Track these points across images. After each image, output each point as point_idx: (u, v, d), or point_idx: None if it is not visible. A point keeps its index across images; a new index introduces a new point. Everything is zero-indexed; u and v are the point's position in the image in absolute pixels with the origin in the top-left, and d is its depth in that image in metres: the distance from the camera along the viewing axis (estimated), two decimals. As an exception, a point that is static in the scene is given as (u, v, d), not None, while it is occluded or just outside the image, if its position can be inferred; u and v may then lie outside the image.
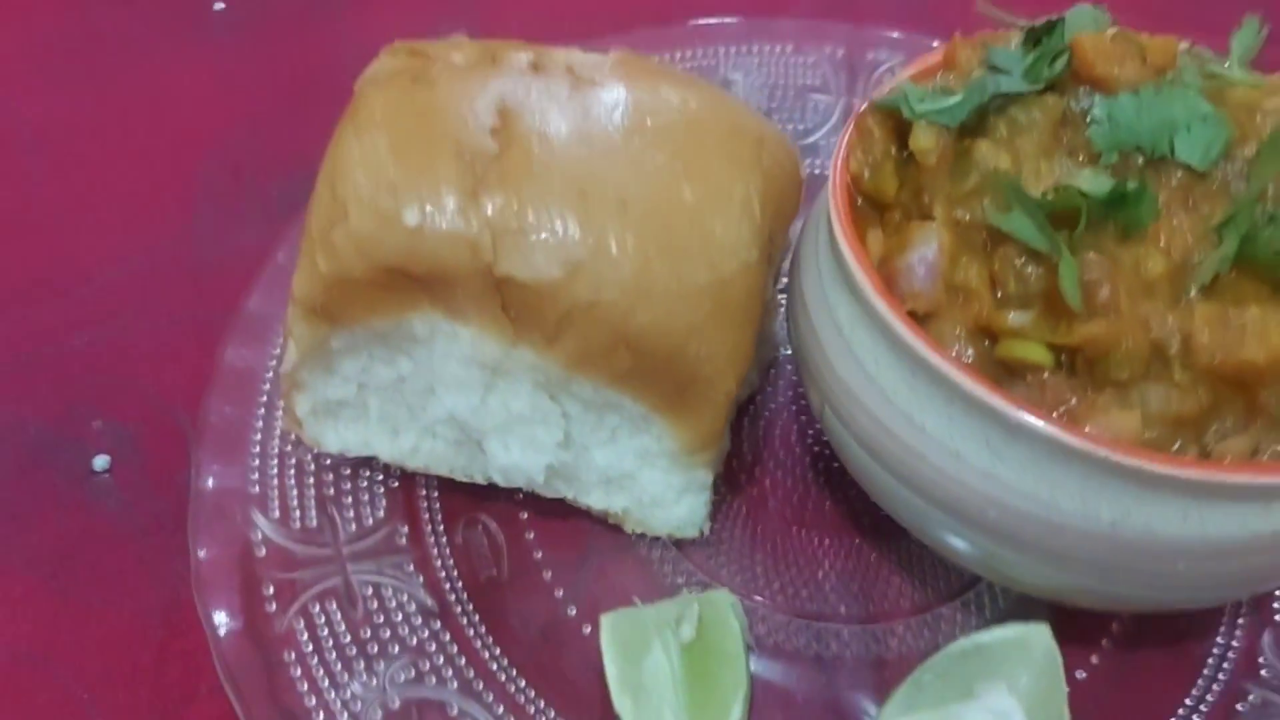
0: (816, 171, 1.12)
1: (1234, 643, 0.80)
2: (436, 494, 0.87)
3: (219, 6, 1.35)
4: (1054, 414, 0.64)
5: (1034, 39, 0.78)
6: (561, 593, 0.83)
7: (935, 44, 1.17)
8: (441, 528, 0.85)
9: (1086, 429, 0.63)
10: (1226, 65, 0.75)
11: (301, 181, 1.13)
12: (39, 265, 1.06)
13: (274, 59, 1.28)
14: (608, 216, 0.69)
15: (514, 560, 0.85)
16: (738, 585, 0.84)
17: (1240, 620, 0.81)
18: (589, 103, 0.74)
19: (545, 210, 0.69)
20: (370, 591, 0.80)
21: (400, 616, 0.79)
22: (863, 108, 0.78)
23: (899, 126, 0.76)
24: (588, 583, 0.84)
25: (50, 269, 1.06)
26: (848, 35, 1.19)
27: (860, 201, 0.76)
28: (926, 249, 0.69)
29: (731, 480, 0.90)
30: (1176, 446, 0.64)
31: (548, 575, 0.84)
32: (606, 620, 0.76)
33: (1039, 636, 0.74)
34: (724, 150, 0.75)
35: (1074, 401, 0.65)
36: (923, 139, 0.72)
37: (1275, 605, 0.82)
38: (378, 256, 0.70)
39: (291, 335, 0.76)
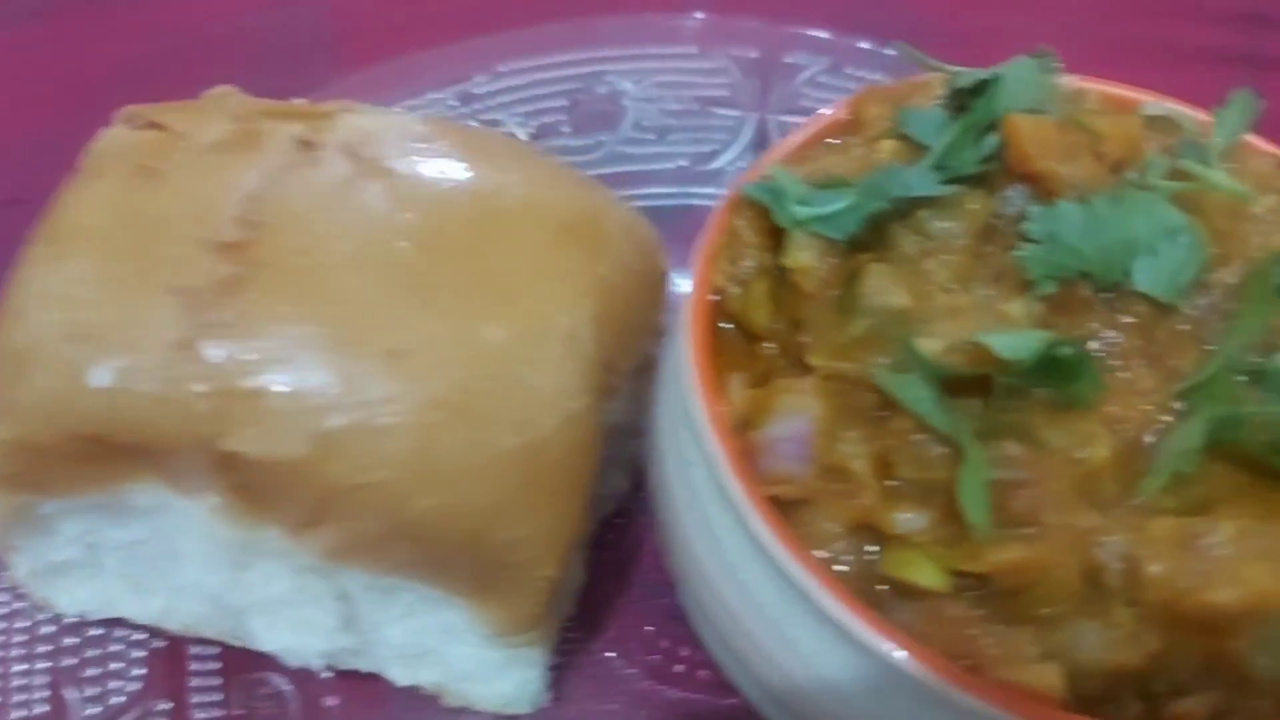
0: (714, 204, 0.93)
1: None
2: (212, 649, 0.70)
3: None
4: (951, 656, 0.47)
5: (959, 100, 0.60)
6: (370, 782, 0.67)
7: (867, 45, 0.99)
8: (219, 696, 0.68)
9: (994, 679, 0.47)
10: (1207, 143, 0.57)
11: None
12: None
13: (67, 51, 1.05)
14: (377, 371, 0.52)
15: (310, 735, 0.68)
16: (589, 765, 0.68)
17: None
18: (368, 201, 0.56)
19: (289, 364, 0.51)
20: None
21: None
22: (729, 195, 0.60)
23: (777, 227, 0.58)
24: (403, 763, 0.68)
25: None
26: (760, 34, 0.98)
27: (729, 325, 0.59)
28: (797, 419, 0.52)
29: (588, 618, 0.73)
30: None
31: (353, 755, 0.68)
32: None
33: None
34: (547, 264, 0.57)
35: (982, 638, 0.48)
36: (801, 255, 0.55)
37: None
38: (68, 423, 0.53)
39: (-15, 501, 0.59)
